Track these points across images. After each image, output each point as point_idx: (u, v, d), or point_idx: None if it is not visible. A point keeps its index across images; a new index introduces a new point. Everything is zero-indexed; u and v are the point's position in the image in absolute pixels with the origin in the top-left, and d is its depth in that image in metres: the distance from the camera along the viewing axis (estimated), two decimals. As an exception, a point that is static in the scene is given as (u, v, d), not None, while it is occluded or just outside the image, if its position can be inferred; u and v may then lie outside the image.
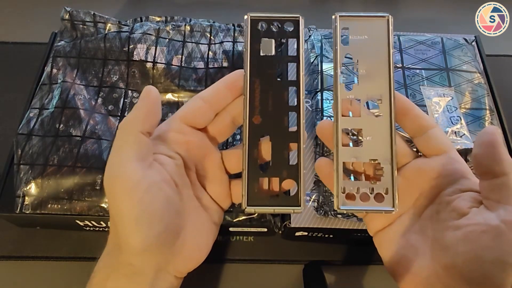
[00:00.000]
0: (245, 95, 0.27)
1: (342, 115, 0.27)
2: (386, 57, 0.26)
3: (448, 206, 0.25)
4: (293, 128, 0.27)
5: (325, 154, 0.38)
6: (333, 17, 0.27)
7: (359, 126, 0.27)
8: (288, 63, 0.27)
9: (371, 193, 0.26)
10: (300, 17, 0.27)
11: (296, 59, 0.27)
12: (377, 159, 0.26)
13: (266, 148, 0.27)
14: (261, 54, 0.27)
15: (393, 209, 0.26)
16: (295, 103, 0.27)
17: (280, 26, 0.27)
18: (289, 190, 0.27)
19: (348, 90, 0.27)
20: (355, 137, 0.28)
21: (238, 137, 0.40)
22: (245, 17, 0.27)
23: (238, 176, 0.28)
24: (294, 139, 0.27)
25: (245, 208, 0.26)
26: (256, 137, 0.27)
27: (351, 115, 0.27)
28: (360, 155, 0.26)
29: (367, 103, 0.27)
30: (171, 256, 0.25)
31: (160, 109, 0.26)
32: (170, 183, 0.25)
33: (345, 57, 0.27)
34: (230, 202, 0.30)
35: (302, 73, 0.27)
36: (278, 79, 0.27)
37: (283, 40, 0.27)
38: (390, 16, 0.26)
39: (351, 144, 0.27)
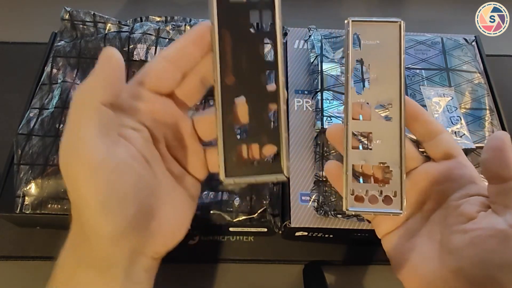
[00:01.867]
0: (214, 51, 0.23)
1: (353, 119, 0.27)
2: (397, 62, 0.26)
3: (456, 211, 0.25)
4: (271, 87, 0.24)
5: (325, 154, 0.38)
6: (346, 21, 0.27)
7: (369, 130, 0.27)
8: (263, 11, 0.23)
9: (379, 196, 0.27)
10: None
11: (270, 4, 0.23)
12: (386, 162, 0.27)
13: (242, 111, 0.24)
14: (230, 0, 0.23)
15: (401, 211, 0.26)
16: (273, 58, 0.24)
17: None
18: (271, 156, 0.25)
19: (359, 94, 0.27)
20: (361, 137, 0.28)
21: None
22: None
23: (212, 142, 0.25)
24: (272, 99, 0.24)
25: (223, 179, 0.24)
26: (230, 99, 0.24)
27: (361, 118, 0.27)
28: (370, 158, 0.27)
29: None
30: (147, 238, 0.23)
31: (124, 76, 0.22)
32: (139, 159, 0.23)
33: (356, 61, 0.27)
34: (206, 173, 0.28)
35: (278, 21, 0.23)
36: (252, 30, 0.24)
37: None
38: (402, 21, 0.26)
39: (360, 147, 0.27)
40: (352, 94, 0.27)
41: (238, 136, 0.24)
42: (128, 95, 0.24)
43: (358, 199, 0.27)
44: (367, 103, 0.27)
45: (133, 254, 0.23)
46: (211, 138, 0.26)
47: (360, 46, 0.27)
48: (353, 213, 0.27)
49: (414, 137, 0.29)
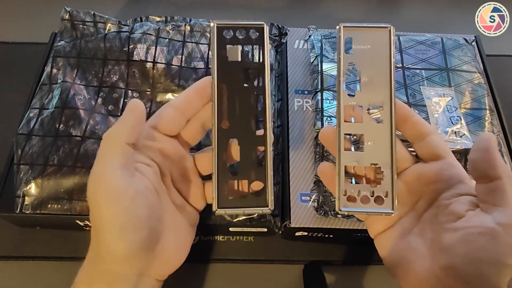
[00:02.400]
0: (213, 101, 0.28)
1: (345, 121, 0.28)
2: (387, 66, 0.27)
3: (446, 209, 0.25)
4: (260, 132, 0.28)
5: (325, 154, 0.38)
6: (337, 27, 0.28)
7: (361, 132, 0.28)
8: (254, 69, 0.29)
9: (371, 196, 0.27)
10: (265, 25, 0.28)
11: (261, 65, 0.28)
12: (377, 163, 0.27)
13: (235, 151, 0.28)
14: (228, 60, 0.28)
15: (392, 211, 0.27)
16: (262, 108, 0.28)
17: (246, 33, 0.28)
18: (258, 191, 0.28)
19: (351, 97, 0.27)
20: (354, 138, 0.28)
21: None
22: (211, 24, 0.28)
23: (211, 177, 0.29)
24: (261, 142, 0.28)
25: (216, 210, 0.27)
26: (225, 142, 0.28)
27: (353, 121, 0.28)
28: (362, 159, 0.27)
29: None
30: (152, 260, 0.26)
31: (145, 122, 0.27)
32: (152, 190, 0.26)
33: (348, 65, 0.27)
34: (204, 203, 0.31)
35: (267, 78, 0.28)
36: (246, 85, 0.28)
37: (254, 47, 0.29)
38: (392, 27, 0.28)
39: (352, 148, 0.28)
40: (344, 97, 0.27)
41: (230, 173, 0.28)
42: (143, 136, 0.28)
43: (351, 199, 0.27)
44: (359, 106, 0.27)
45: (140, 274, 0.26)
46: (209, 172, 0.29)
47: (351, 51, 0.27)
48: (346, 213, 0.28)
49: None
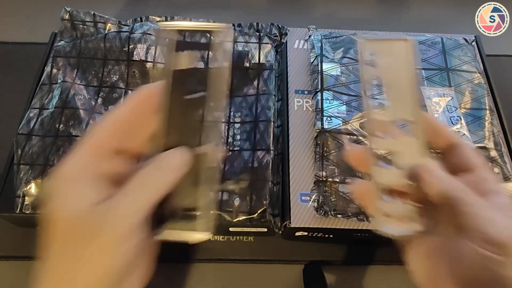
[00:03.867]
0: (161, 111, 0.26)
1: (376, 137, 0.27)
2: (412, 78, 0.27)
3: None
4: (204, 148, 0.26)
5: (325, 154, 0.38)
6: (359, 41, 0.27)
7: (393, 148, 0.27)
8: (206, 78, 0.27)
9: (405, 214, 0.27)
10: (216, 28, 0.27)
11: (206, 73, 0.26)
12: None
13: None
14: (178, 67, 0.26)
15: (424, 229, 0.26)
16: (209, 119, 0.26)
17: (198, 37, 0.27)
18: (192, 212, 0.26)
19: (378, 112, 0.27)
20: (386, 156, 0.28)
21: (238, 137, 0.40)
22: (160, 28, 0.27)
23: None
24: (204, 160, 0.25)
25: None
26: None
27: (383, 136, 0.27)
28: (394, 175, 0.27)
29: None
30: None
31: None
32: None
33: (372, 79, 0.27)
34: None
35: (212, 88, 0.26)
36: (194, 94, 0.26)
37: (208, 52, 0.27)
38: (413, 40, 0.27)
39: (384, 164, 0.27)
40: (371, 111, 0.27)
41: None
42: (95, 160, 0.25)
43: (387, 217, 0.27)
44: (388, 121, 0.27)
45: None
46: None
47: (374, 64, 0.27)
48: (387, 234, 0.27)
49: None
